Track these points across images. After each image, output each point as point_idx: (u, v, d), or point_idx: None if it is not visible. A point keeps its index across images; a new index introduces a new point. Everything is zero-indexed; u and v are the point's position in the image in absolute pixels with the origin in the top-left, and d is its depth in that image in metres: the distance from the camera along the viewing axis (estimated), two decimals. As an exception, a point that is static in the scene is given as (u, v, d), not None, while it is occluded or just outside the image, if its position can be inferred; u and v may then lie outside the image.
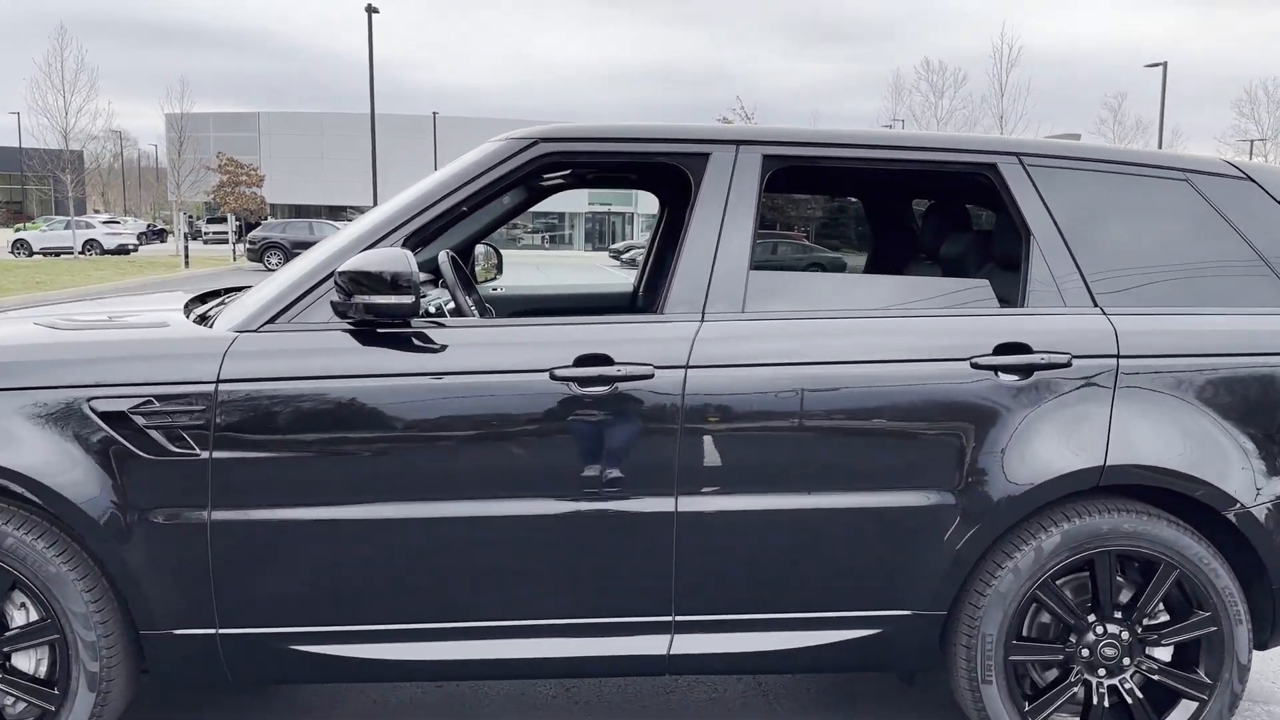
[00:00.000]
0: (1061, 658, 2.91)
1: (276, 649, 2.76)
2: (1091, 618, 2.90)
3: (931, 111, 43.37)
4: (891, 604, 2.87)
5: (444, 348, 2.77)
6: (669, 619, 2.83)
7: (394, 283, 2.64)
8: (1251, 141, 47.47)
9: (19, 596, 2.72)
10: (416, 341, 2.77)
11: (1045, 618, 2.95)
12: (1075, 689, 2.92)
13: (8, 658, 2.73)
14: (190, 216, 42.09)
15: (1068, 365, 2.85)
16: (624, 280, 5.60)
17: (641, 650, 2.84)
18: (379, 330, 2.76)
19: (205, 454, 2.67)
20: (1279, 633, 3.00)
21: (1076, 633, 2.90)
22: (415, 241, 2.91)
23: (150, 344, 2.83)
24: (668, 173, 3.45)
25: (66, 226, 39.55)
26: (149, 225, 59.61)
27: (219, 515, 2.69)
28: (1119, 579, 2.93)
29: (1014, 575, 2.85)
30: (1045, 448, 2.82)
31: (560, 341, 2.80)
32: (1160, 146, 38.13)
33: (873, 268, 4.58)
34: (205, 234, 56.06)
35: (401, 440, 2.73)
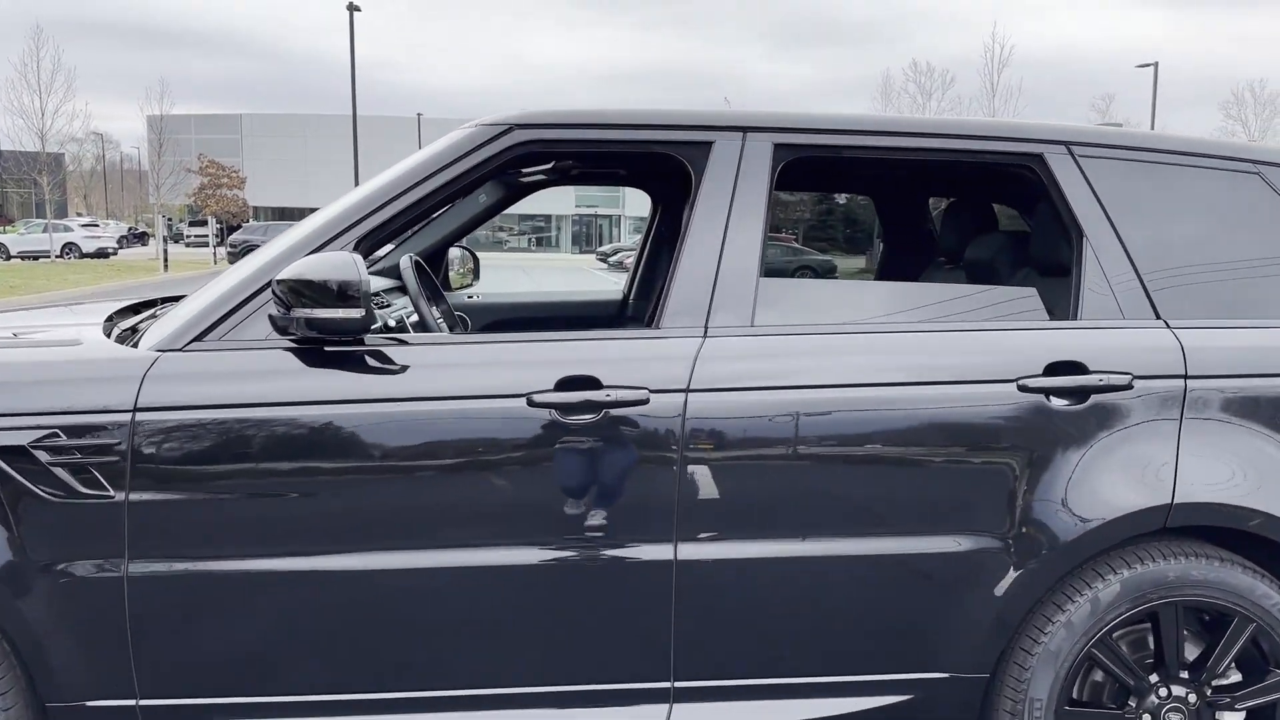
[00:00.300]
0: (1120, 724, 2.52)
1: None
2: (1154, 678, 2.51)
3: (920, 114, 43.15)
4: (926, 666, 2.47)
5: (404, 369, 2.36)
6: (667, 685, 2.43)
7: (341, 293, 2.23)
8: (1239, 144, 47.27)
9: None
10: (371, 362, 2.36)
11: (1101, 678, 2.56)
12: (1136, 760, 2.53)
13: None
14: (169, 219, 41.50)
15: (1129, 387, 2.46)
16: (612, 287, 5.18)
17: None
18: (326, 349, 2.36)
19: (121, 496, 2.25)
20: None
21: (1137, 695, 2.51)
22: (371, 244, 2.51)
23: (56, 366, 2.41)
24: (662, 166, 3.04)
25: (45, 230, 38.92)
26: (130, 228, 58.88)
27: (138, 568, 2.28)
28: (1186, 633, 2.54)
29: (1066, 631, 2.46)
30: (1103, 484, 2.43)
31: (540, 361, 2.40)
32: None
33: (891, 273, 4.18)
34: (187, 237, 55.36)
35: (352, 479, 2.32)
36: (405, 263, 2.82)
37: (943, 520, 2.43)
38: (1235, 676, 2.56)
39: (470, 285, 4.35)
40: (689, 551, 2.37)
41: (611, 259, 37.96)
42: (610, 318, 4.33)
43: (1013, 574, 2.43)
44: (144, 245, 55.39)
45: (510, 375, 2.37)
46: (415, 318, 2.72)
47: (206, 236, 38.41)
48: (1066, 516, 2.42)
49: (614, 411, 2.34)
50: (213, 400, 2.29)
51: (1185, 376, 2.47)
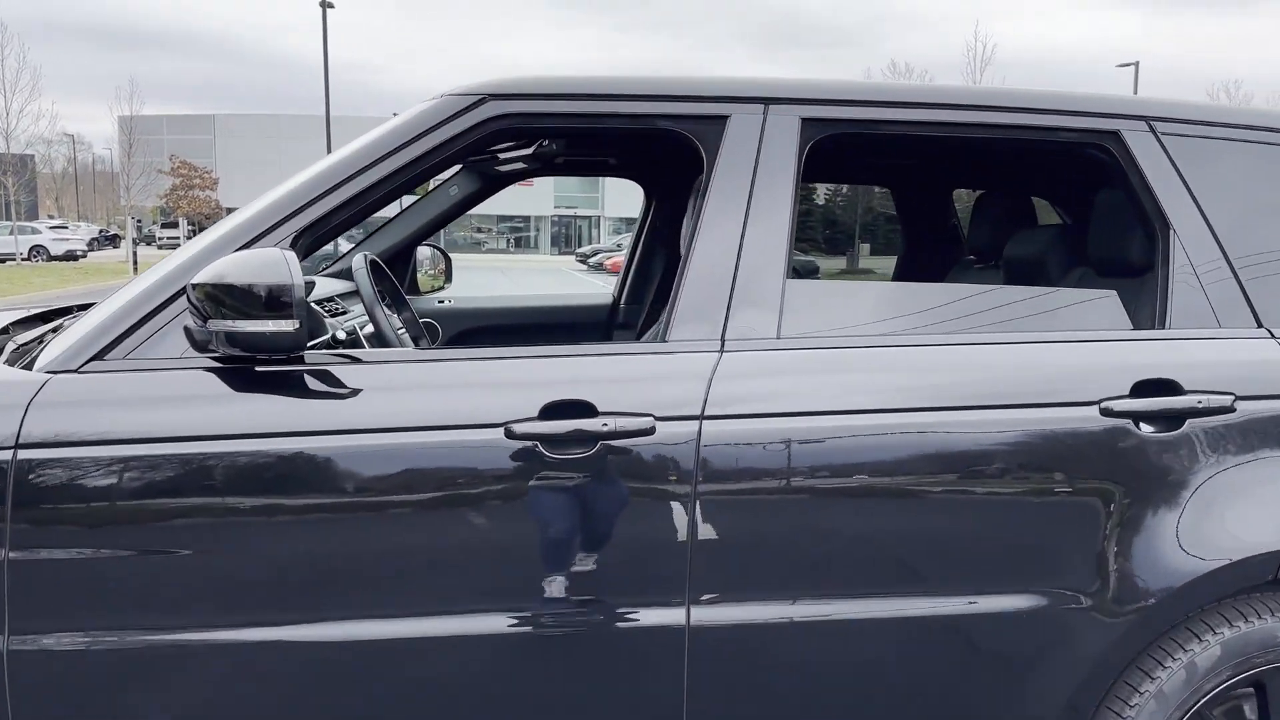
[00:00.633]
0: (1217, 813, 2.11)
1: None
2: (1257, 757, 2.10)
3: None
4: None
5: (355, 393, 1.92)
6: None
7: (270, 300, 1.78)
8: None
9: None
10: (313, 385, 1.91)
11: (1194, 756, 2.14)
12: None
13: None
14: (138, 221, 40.68)
15: (1230, 410, 2.04)
16: (597, 289, 4.69)
17: None
18: (258, 369, 1.91)
19: (0, 553, 1.80)
20: None
21: (1237, 777, 2.10)
22: (314, 239, 2.05)
23: None
24: (661, 148, 2.60)
25: (11, 232, 38.04)
26: (101, 230, 57.92)
27: (20, 644, 1.82)
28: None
29: (1157, 703, 2.05)
30: (1203, 526, 2.01)
31: (521, 382, 1.96)
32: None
33: (911, 274, 3.74)
34: (159, 239, 54.50)
35: (289, 531, 1.88)
36: (359, 262, 2.36)
37: (1007, 573, 2.01)
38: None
39: (441, 288, 3.89)
40: (704, 616, 1.93)
41: (591, 260, 37.58)
42: (599, 324, 3.88)
43: (1093, 637, 2.01)
44: (115, 248, 54.46)
45: (485, 400, 1.93)
46: (370, 329, 2.28)
47: (178, 238, 37.67)
48: (1157, 567, 2.00)
49: (612, 444, 1.91)
50: (113, 433, 1.84)
51: None
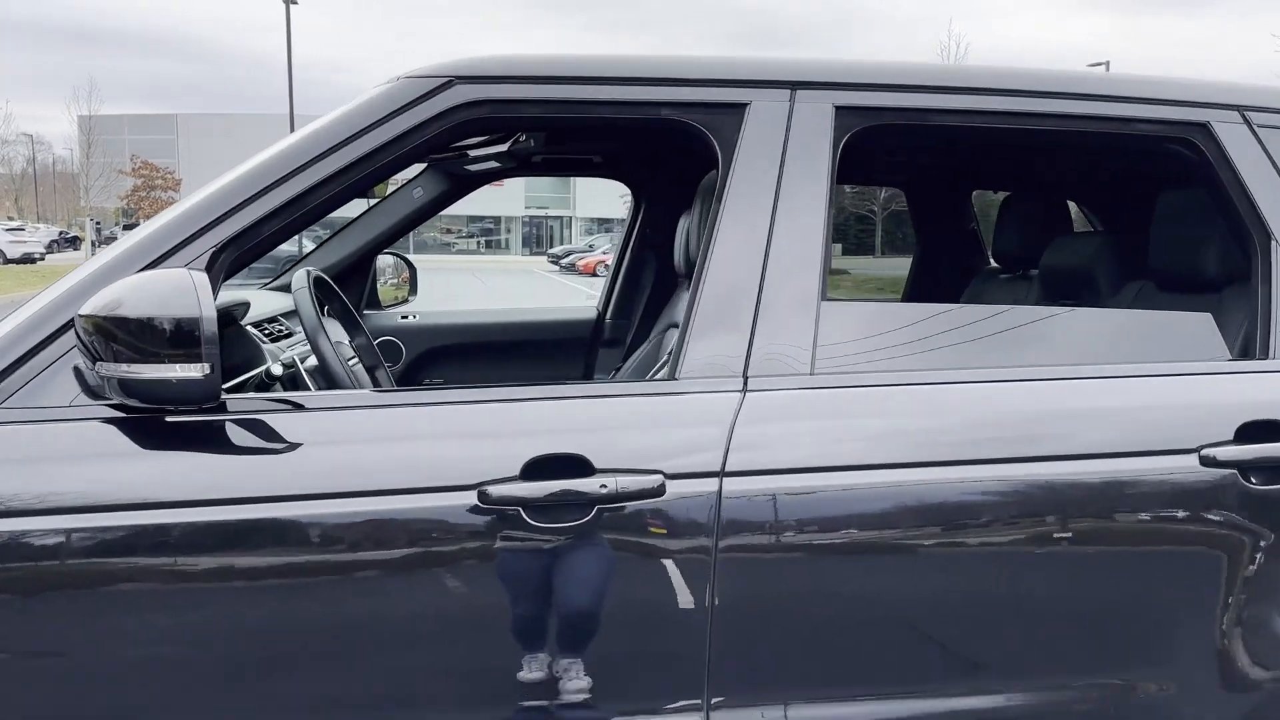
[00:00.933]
0: None
1: None
2: None
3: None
4: None
5: (293, 448, 1.53)
6: None
7: (175, 336, 1.40)
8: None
9: None
10: (241, 439, 1.53)
11: None
12: None
13: None
14: (98, 223, 39.74)
15: None
16: (573, 290, 4.27)
17: None
18: (169, 419, 1.52)
19: None
20: None
21: None
22: (240, 254, 1.65)
23: None
24: (657, 142, 2.21)
25: (-37, 235, 37.14)
26: (61, 232, 56.81)
27: None
28: None
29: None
30: None
31: (499, 431, 1.58)
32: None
33: (927, 286, 3.38)
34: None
35: (208, 623, 1.49)
36: (299, 280, 1.97)
37: (1085, 660, 1.66)
38: None
39: (405, 301, 3.50)
40: None
41: (563, 261, 37.23)
42: (582, 341, 3.49)
43: None
44: (76, 249, 53.42)
45: (453, 454, 1.56)
46: (313, 362, 1.89)
47: (140, 240, 36.76)
48: (1272, 650, 1.66)
49: (611, 509, 1.54)
50: None
51: None
